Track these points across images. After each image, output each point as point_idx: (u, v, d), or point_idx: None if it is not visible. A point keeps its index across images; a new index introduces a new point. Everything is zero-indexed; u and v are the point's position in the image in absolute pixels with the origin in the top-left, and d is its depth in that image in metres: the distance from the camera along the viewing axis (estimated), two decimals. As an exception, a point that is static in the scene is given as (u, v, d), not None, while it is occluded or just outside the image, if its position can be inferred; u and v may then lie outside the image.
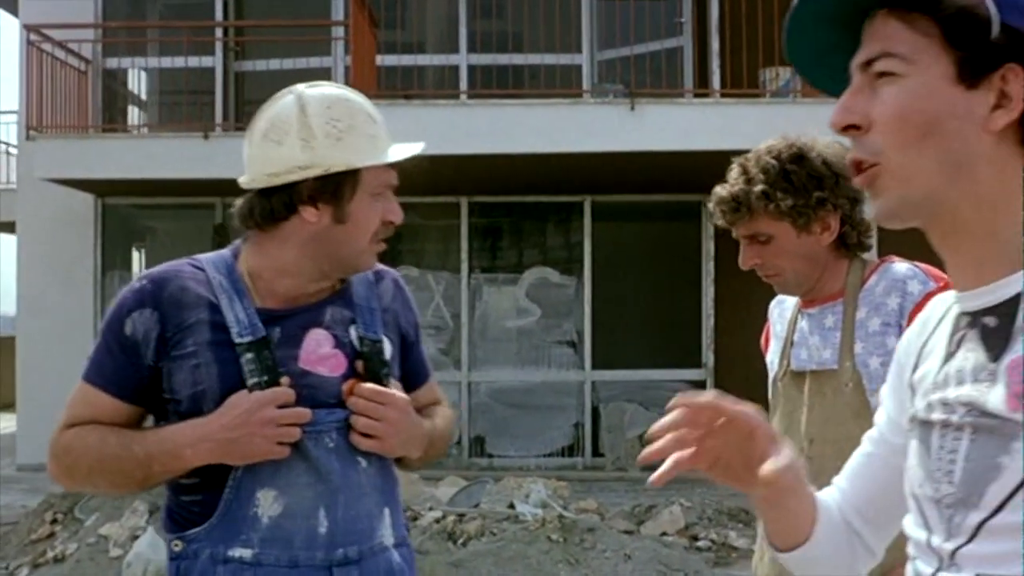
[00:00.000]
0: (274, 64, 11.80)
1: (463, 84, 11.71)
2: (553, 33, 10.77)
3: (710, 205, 2.52)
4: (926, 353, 1.24)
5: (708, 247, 11.54)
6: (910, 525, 1.21)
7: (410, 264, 11.72)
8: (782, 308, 2.66)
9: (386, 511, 2.10)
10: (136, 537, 6.82)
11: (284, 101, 2.06)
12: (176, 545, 2.03)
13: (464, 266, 11.73)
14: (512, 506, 7.34)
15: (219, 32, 12.24)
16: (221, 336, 2.00)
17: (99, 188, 11.42)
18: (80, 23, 11.52)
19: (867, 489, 1.39)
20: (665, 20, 10.95)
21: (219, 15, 12.20)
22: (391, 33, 11.62)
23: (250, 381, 1.98)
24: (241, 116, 12.37)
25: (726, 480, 1.33)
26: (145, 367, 2.01)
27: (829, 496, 1.42)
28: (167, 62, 12.20)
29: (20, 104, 11.86)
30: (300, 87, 2.09)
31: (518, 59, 11.09)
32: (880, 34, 1.16)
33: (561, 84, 11.07)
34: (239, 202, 2.09)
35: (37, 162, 10.65)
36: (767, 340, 2.72)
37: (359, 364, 2.08)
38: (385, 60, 11.17)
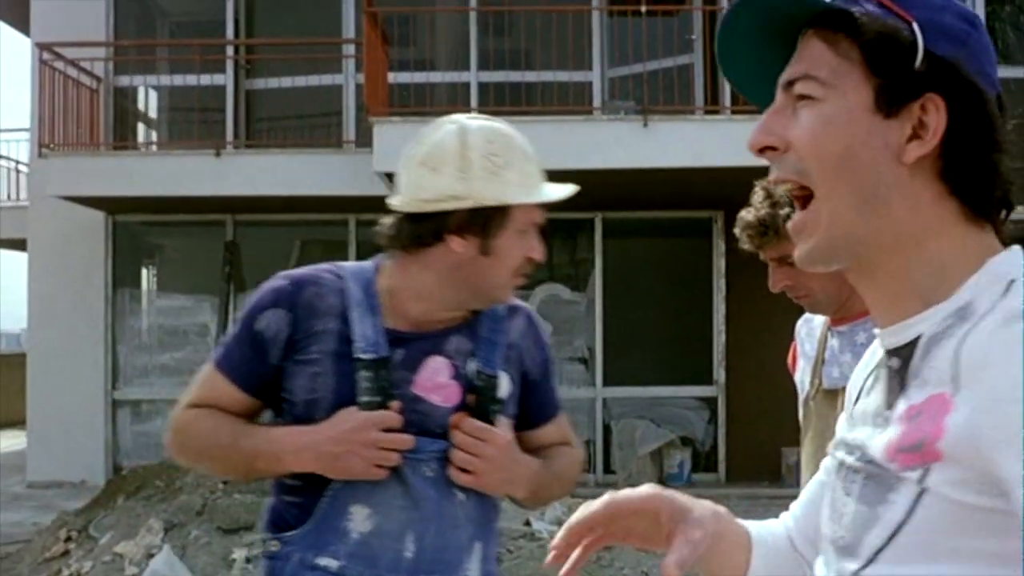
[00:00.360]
0: (285, 82, 11.81)
1: (474, 102, 11.71)
2: (564, 50, 10.78)
3: (735, 230, 2.50)
4: (866, 388, 1.19)
5: (719, 264, 11.54)
6: (819, 564, 1.18)
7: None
8: (810, 327, 2.65)
9: (477, 545, 2.11)
10: (152, 555, 6.80)
11: (446, 130, 2.06)
12: (273, 545, 2.07)
13: (475, 282, 11.71)
14: (528, 523, 7.31)
15: (230, 50, 12.28)
16: (345, 349, 2.03)
17: (110, 205, 11.46)
18: (91, 41, 11.58)
19: (817, 517, 1.35)
20: (676, 37, 10.96)
21: (230, 33, 12.24)
22: (403, 51, 11.64)
23: (362, 399, 2.01)
24: (252, 134, 12.39)
25: (643, 545, 1.32)
26: (270, 364, 2.06)
27: (782, 523, 1.40)
28: (178, 80, 12.23)
29: (32, 122, 11.91)
30: (462, 118, 2.10)
31: (529, 76, 11.09)
32: (805, 54, 1.10)
33: (573, 101, 11.07)
34: (385, 221, 2.10)
35: (48, 179, 10.71)
36: (795, 360, 2.71)
37: (470, 398, 2.09)
38: (397, 78, 11.19)
